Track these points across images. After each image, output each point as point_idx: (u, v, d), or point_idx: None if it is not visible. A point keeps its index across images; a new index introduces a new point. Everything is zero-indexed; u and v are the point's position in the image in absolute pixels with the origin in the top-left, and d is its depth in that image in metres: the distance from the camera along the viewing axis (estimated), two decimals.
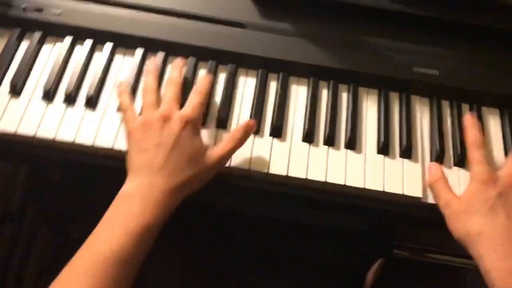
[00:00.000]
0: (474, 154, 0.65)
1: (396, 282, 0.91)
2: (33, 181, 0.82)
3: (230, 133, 0.64)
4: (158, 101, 0.65)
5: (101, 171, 0.70)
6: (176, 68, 0.69)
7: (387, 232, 0.79)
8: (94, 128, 0.66)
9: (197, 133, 0.63)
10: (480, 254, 0.57)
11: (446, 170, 0.66)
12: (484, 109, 0.73)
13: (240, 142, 0.63)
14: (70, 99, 0.67)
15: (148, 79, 0.67)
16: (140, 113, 0.65)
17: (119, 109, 0.66)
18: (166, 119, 0.61)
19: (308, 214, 0.77)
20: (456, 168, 0.67)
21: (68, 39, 0.72)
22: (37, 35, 0.72)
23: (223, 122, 0.68)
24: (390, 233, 0.80)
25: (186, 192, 0.60)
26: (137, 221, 0.55)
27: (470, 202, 0.61)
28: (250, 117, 0.69)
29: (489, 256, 0.57)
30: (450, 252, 0.77)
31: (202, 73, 0.72)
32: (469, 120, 0.68)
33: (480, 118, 0.71)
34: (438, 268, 0.85)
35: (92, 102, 0.67)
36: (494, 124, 0.72)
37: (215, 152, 0.62)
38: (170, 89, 0.66)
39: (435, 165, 0.66)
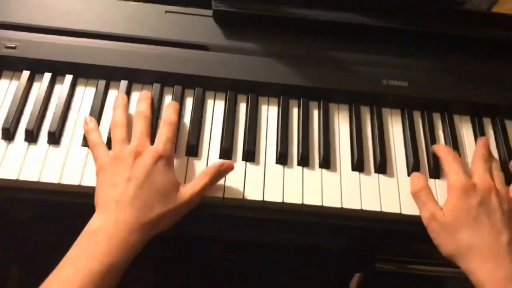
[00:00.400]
0: (449, 164, 0.64)
1: None
2: (1, 221, 0.79)
3: (204, 170, 0.62)
4: (128, 135, 0.63)
5: (70, 208, 0.67)
6: (144, 100, 0.66)
7: (367, 247, 0.78)
8: (59, 166, 0.63)
9: (169, 169, 0.60)
10: (472, 269, 0.57)
11: None
12: (456, 117, 0.73)
13: (213, 180, 0.61)
14: (31, 137, 0.64)
15: (117, 113, 0.65)
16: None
17: (89, 146, 0.63)
18: (137, 154, 0.59)
19: (284, 235, 0.75)
20: (432, 180, 0.67)
21: (25, 73, 0.69)
22: None
23: (193, 149, 0.66)
24: (371, 247, 0.79)
25: (155, 230, 0.58)
26: (102, 260, 0.53)
27: (454, 213, 0.60)
28: (221, 141, 0.67)
29: (481, 269, 0.56)
30: (432, 262, 0.77)
31: (168, 99, 0.70)
32: (435, 146, 0.68)
33: (453, 126, 0.71)
34: (419, 278, 0.85)
35: (55, 138, 0.65)
36: (466, 131, 0.72)
37: (187, 189, 0.60)
38: (139, 122, 0.63)
39: (418, 175, 0.65)
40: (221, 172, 0.62)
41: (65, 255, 0.54)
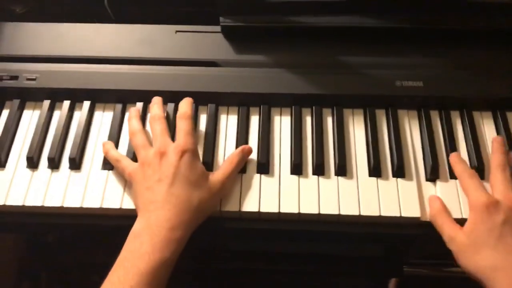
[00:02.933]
0: (467, 182, 0.62)
1: None
2: (32, 247, 0.82)
3: (229, 157, 0.65)
4: (148, 140, 0.65)
5: (97, 229, 0.69)
6: (156, 104, 0.69)
7: (397, 252, 0.77)
8: (80, 191, 0.65)
9: (195, 160, 0.63)
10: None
11: (442, 184, 0.64)
12: (476, 114, 0.71)
13: (239, 164, 0.64)
14: (54, 164, 0.67)
15: (132, 123, 0.67)
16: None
17: (113, 163, 0.66)
18: (162, 154, 0.62)
19: (314, 246, 0.75)
20: (453, 181, 0.65)
21: (46, 103, 0.72)
22: (15, 102, 0.72)
23: (207, 165, 0.66)
24: (400, 252, 0.77)
25: (196, 221, 0.60)
26: (148, 259, 0.55)
27: (474, 234, 0.57)
28: None
29: None
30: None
31: None
32: (452, 159, 0.65)
33: (472, 124, 0.69)
34: (454, 280, 0.82)
35: (76, 164, 0.67)
36: (488, 128, 0.70)
37: (217, 176, 0.62)
38: (156, 124, 0.66)
39: (434, 197, 0.63)
40: (244, 156, 0.65)
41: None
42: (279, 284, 0.88)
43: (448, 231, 0.59)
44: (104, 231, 0.72)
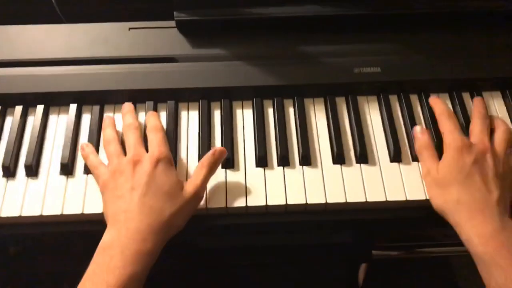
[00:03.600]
0: (444, 123, 0.65)
1: (388, 281, 0.90)
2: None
3: (200, 162, 0.62)
4: (122, 149, 0.63)
5: (60, 236, 0.67)
6: (129, 113, 0.67)
7: (365, 236, 0.78)
8: (39, 198, 0.63)
9: (170, 169, 0.61)
10: (459, 222, 0.58)
11: (405, 167, 0.65)
12: (434, 96, 0.72)
13: (211, 169, 0.62)
14: (9, 172, 0.64)
15: (106, 132, 0.66)
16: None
17: (90, 169, 0.64)
18: (136, 162, 0.60)
19: (282, 237, 0.75)
20: (415, 163, 0.66)
21: None
22: None
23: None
24: (369, 237, 0.78)
25: (169, 233, 0.58)
26: (119, 273, 0.52)
27: (446, 170, 0.61)
28: (198, 151, 0.66)
29: (467, 223, 0.57)
30: (430, 243, 0.76)
31: (142, 116, 0.69)
32: (432, 100, 0.69)
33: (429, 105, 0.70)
34: (425, 260, 0.84)
35: (32, 171, 0.64)
36: None
37: (190, 185, 0.60)
38: (130, 134, 0.64)
39: (421, 130, 0.66)
40: (216, 159, 0.62)
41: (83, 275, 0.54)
42: (249, 276, 0.88)
43: (427, 164, 0.63)
44: (70, 238, 0.70)
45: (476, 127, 0.65)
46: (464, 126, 0.68)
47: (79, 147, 0.66)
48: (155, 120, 0.66)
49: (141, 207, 0.56)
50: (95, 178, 0.63)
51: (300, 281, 0.91)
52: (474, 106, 0.69)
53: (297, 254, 0.85)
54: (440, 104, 0.68)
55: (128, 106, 0.68)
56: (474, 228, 0.56)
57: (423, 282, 0.89)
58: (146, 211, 0.56)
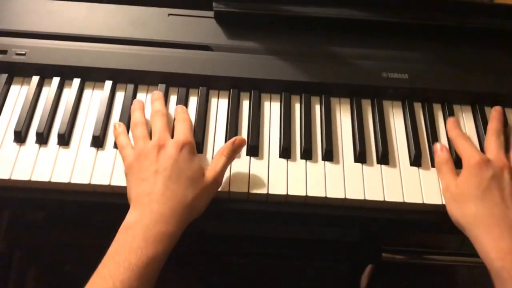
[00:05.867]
0: (461, 143, 0.67)
1: (389, 284, 0.91)
2: (16, 223, 0.81)
3: (219, 150, 0.64)
4: (149, 133, 0.65)
5: (84, 207, 0.69)
6: (158, 100, 0.69)
7: (375, 238, 0.79)
8: (69, 166, 0.65)
9: (194, 155, 0.63)
10: (476, 236, 0.59)
11: (424, 172, 0.67)
12: (456, 107, 0.74)
13: (230, 157, 0.64)
14: (42, 139, 0.66)
15: (135, 114, 0.67)
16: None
17: (118, 148, 0.65)
18: (161, 146, 0.61)
19: (295, 229, 0.77)
20: (434, 170, 0.68)
21: (35, 79, 0.71)
22: (3, 77, 0.71)
23: (198, 146, 0.67)
24: (378, 238, 0.79)
25: (190, 216, 0.60)
26: (140, 253, 0.54)
27: (465, 185, 0.62)
28: (226, 138, 0.68)
29: (485, 237, 0.58)
30: (438, 251, 0.78)
31: (173, 99, 0.72)
32: (449, 124, 0.70)
33: (453, 115, 0.72)
34: (431, 267, 0.86)
35: (64, 140, 0.67)
36: (467, 121, 0.73)
37: (210, 171, 0.62)
38: (158, 119, 0.66)
39: (440, 146, 0.68)
40: (235, 148, 0.64)
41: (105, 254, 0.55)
42: (255, 267, 0.90)
43: (446, 179, 0.65)
44: (90, 211, 0.72)
45: (491, 143, 0.67)
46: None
47: (110, 123, 0.69)
48: (184, 112, 0.68)
49: (164, 190, 0.58)
50: (122, 158, 0.64)
51: (302, 274, 0.92)
52: (491, 120, 0.70)
53: (302, 248, 0.86)
54: (456, 129, 0.69)
55: (157, 93, 0.70)
56: (492, 243, 0.57)
57: None
58: (169, 194, 0.58)
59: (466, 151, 0.65)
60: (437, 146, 0.68)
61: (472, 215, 0.60)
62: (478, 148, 0.69)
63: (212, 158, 0.67)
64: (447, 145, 0.70)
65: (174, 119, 0.68)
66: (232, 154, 0.64)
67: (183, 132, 0.64)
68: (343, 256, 0.81)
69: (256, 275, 0.95)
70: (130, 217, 0.57)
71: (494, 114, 0.70)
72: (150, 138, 0.65)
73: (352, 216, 0.66)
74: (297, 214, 0.66)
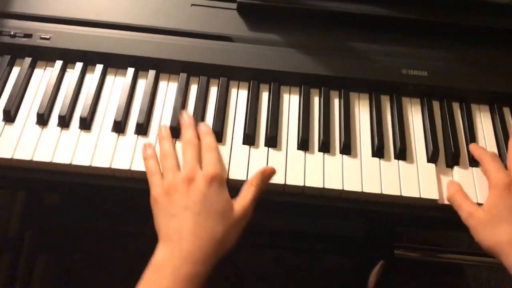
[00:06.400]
0: (488, 163, 0.65)
1: (398, 282, 0.92)
2: (31, 206, 0.82)
3: (248, 180, 0.63)
4: (178, 164, 0.63)
5: (99, 191, 0.70)
6: (189, 127, 0.66)
7: (386, 234, 0.80)
8: (90, 150, 0.66)
9: (223, 188, 0.61)
10: None
11: (441, 169, 0.68)
12: (474, 106, 0.74)
13: (260, 187, 0.62)
14: (64, 122, 0.67)
15: (164, 145, 0.65)
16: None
17: (146, 173, 0.64)
18: (190, 180, 0.60)
19: (307, 223, 0.77)
20: (448, 169, 0.68)
21: (58, 63, 0.72)
22: (27, 60, 0.72)
23: (217, 135, 0.68)
24: (390, 235, 0.80)
25: (221, 253, 0.58)
26: None
27: (494, 210, 0.60)
28: (244, 128, 0.69)
29: None
30: (451, 250, 0.78)
31: (194, 88, 0.72)
32: (472, 146, 0.69)
33: (470, 115, 0.73)
34: (440, 266, 0.86)
35: (86, 124, 0.68)
36: (485, 120, 0.73)
37: (239, 204, 0.60)
38: (189, 150, 0.64)
39: (452, 181, 0.66)
40: (264, 178, 0.63)
41: None
42: (267, 258, 0.90)
43: (467, 207, 0.62)
44: (99, 196, 0.73)
45: None
46: (503, 140, 0.70)
47: (132, 109, 0.70)
48: (211, 139, 0.66)
49: (194, 228, 0.57)
50: (149, 184, 0.62)
51: (309, 270, 0.93)
52: (511, 138, 0.69)
53: (311, 241, 0.86)
54: (478, 149, 0.68)
55: (188, 118, 0.67)
56: None
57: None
58: (199, 231, 0.57)
59: (493, 173, 0.63)
60: (448, 182, 0.66)
61: (506, 242, 0.58)
62: (496, 149, 0.70)
63: (231, 149, 0.67)
64: (464, 141, 0.70)
65: (201, 146, 0.65)
66: (262, 185, 0.63)
67: (212, 163, 0.62)
68: (354, 250, 0.81)
69: (263, 268, 0.95)
70: (160, 254, 0.57)
71: None
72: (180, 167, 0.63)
73: (366, 210, 0.67)
74: (311, 206, 0.67)
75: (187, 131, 0.66)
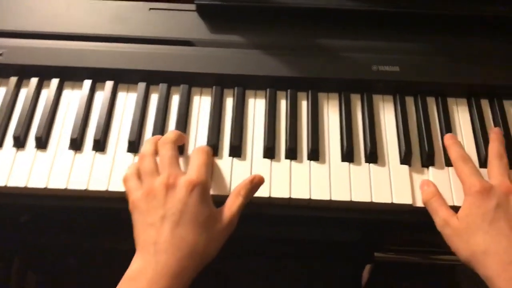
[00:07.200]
0: (462, 168, 0.61)
1: (387, 285, 0.89)
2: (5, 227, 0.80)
3: (236, 189, 0.59)
4: (156, 166, 0.59)
5: (71, 211, 0.68)
6: (174, 132, 0.63)
7: (370, 238, 0.77)
8: (46, 171, 0.63)
9: (206, 196, 0.56)
10: (490, 275, 0.53)
11: (415, 170, 0.64)
12: (451, 100, 0.70)
13: (247, 197, 0.59)
14: (19, 143, 0.65)
15: (145, 145, 0.62)
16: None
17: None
18: (169, 186, 0.55)
19: (285, 230, 0.75)
20: (424, 169, 0.64)
21: (13, 79, 0.69)
22: None
23: (179, 147, 0.64)
24: (373, 238, 0.77)
25: (201, 264, 0.54)
26: None
27: (469, 218, 0.57)
28: (208, 137, 0.66)
29: (499, 277, 0.52)
30: (437, 250, 0.75)
31: (154, 98, 0.69)
32: (447, 141, 0.65)
33: (446, 110, 0.69)
34: (430, 268, 0.83)
35: (42, 143, 0.65)
36: (462, 114, 0.69)
37: (225, 213, 0.57)
38: (165, 150, 0.59)
39: (426, 182, 0.63)
40: (253, 187, 0.59)
41: None
42: (250, 267, 0.88)
43: (442, 215, 0.58)
44: (79, 212, 0.71)
45: (494, 168, 0.61)
46: (481, 137, 0.66)
47: (89, 124, 0.67)
48: (206, 146, 0.62)
49: (172, 239, 0.53)
50: (126, 191, 0.58)
51: (302, 276, 0.91)
52: (491, 142, 0.64)
53: (301, 248, 0.84)
54: (455, 147, 0.64)
55: (176, 132, 0.63)
56: (508, 282, 0.52)
57: None
58: (178, 243, 0.53)
59: (466, 178, 0.60)
60: (422, 183, 0.62)
61: (482, 252, 0.54)
62: (474, 144, 0.66)
63: (191, 159, 0.64)
64: (439, 138, 0.67)
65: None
66: (249, 194, 0.59)
67: (197, 168, 0.57)
68: (340, 255, 0.79)
69: (255, 273, 0.93)
70: (135, 265, 0.53)
71: (493, 136, 0.64)
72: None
73: (341, 217, 0.64)
74: (281, 216, 0.64)
75: (170, 133, 0.62)
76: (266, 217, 0.65)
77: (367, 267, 0.89)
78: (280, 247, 0.85)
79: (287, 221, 0.69)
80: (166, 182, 0.56)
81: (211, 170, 0.61)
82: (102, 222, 0.65)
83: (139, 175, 0.59)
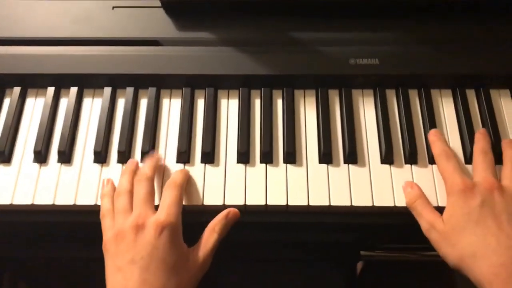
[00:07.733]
0: (444, 166, 0.58)
1: (378, 282, 0.87)
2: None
3: (210, 225, 0.57)
4: (130, 204, 0.57)
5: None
6: (151, 162, 0.60)
7: (358, 238, 0.74)
8: (11, 186, 0.60)
9: (176, 237, 0.54)
10: (481, 280, 0.50)
11: (397, 170, 0.61)
12: (435, 92, 0.66)
13: (222, 233, 0.56)
14: None
15: (121, 180, 0.59)
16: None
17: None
18: (139, 228, 0.53)
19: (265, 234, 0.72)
20: (407, 166, 0.61)
21: None
22: None
23: (146, 155, 0.62)
24: (361, 238, 0.74)
25: None
26: None
27: (453, 220, 0.54)
28: (178, 144, 0.62)
29: (491, 283, 0.49)
30: (422, 247, 0.72)
31: (121, 103, 0.66)
32: (431, 137, 0.62)
33: (430, 103, 0.65)
34: (422, 264, 0.81)
35: (5, 157, 0.62)
36: (447, 106, 0.66)
37: (198, 253, 0.55)
38: (140, 187, 0.57)
39: (409, 184, 0.59)
40: (228, 222, 0.57)
41: None
42: (238, 271, 0.86)
43: (427, 218, 0.55)
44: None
45: (478, 164, 0.58)
46: (465, 127, 0.63)
47: (54, 135, 0.64)
48: (181, 177, 0.59)
49: (141, 285, 0.50)
50: (102, 227, 0.57)
51: (289, 280, 0.88)
52: (476, 140, 0.61)
53: (290, 251, 0.82)
54: (439, 143, 0.61)
55: (156, 156, 0.61)
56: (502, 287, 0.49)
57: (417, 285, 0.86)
58: None
59: (448, 176, 0.57)
60: (404, 185, 0.59)
61: (470, 255, 0.51)
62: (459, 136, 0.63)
63: (163, 172, 0.61)
64: (423, 134, 0.63)
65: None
66: (224, 230, 0.57)
67: (166, 208, 0.55)
68: (329, 257, 0.76)
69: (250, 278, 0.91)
70: None
71: (478, 136, 0.61)
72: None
73: (322, 222, 0.61)
74: (258, 223, 0.61)
75: (144, 166, 0.59)
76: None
77: (359, 267, 0.87)
78: (268, 251, 0.82)
79: (273, 225, 0.66)
80: (136, 224, 0.54)
81: (182, 204, 0.58)
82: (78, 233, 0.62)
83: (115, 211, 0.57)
